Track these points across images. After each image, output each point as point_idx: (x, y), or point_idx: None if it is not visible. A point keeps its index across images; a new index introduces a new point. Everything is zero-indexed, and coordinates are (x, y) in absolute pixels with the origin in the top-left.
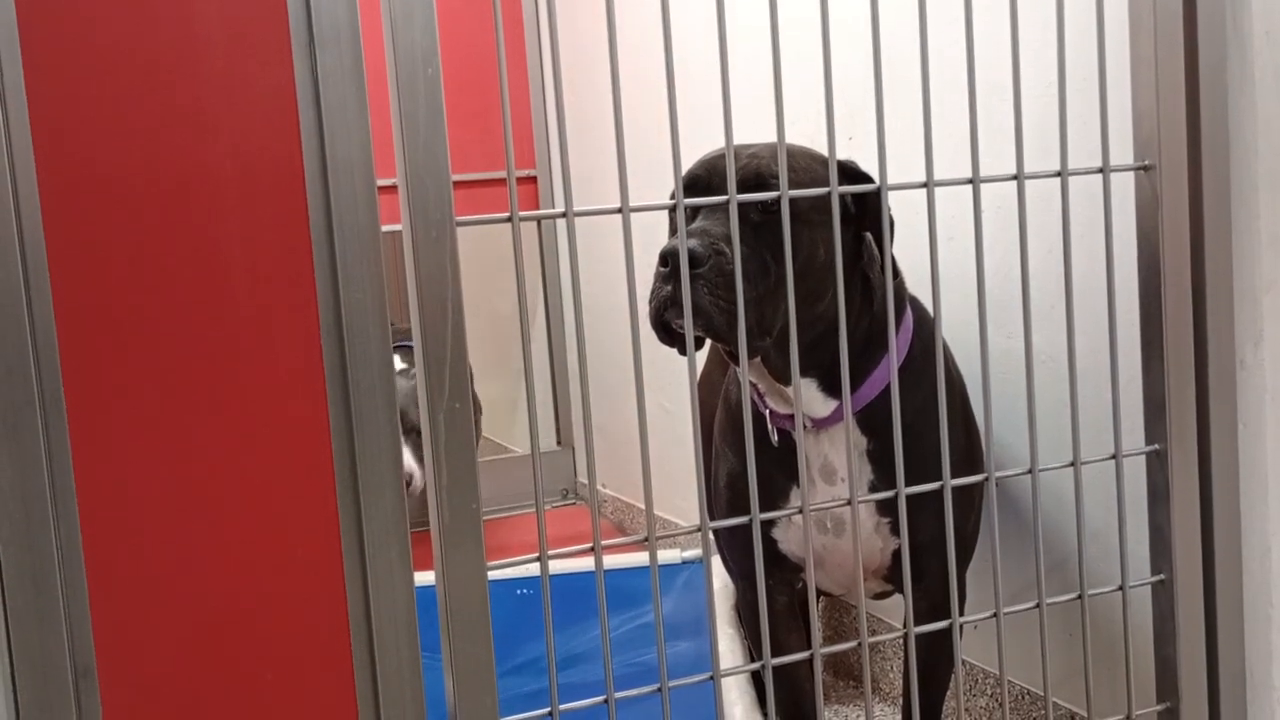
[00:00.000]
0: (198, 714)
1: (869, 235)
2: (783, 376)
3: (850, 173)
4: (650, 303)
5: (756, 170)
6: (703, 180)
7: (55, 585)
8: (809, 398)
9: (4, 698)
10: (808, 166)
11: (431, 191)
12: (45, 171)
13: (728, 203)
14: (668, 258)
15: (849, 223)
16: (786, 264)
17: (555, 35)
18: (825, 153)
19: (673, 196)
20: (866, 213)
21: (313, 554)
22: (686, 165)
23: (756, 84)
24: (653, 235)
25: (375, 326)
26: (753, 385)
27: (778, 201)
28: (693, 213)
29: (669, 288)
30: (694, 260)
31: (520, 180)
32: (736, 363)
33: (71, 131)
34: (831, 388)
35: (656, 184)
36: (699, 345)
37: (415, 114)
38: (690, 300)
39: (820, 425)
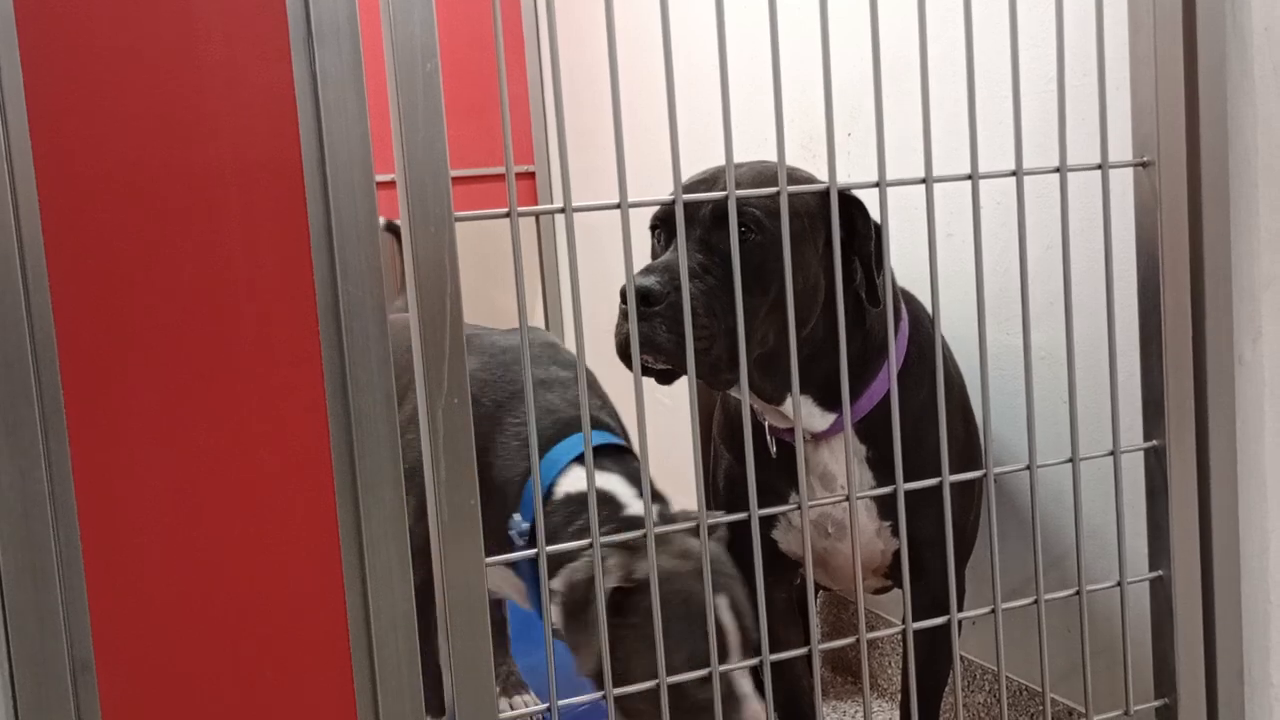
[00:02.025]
0: (196, 711)
1: (858, 259)
2: (772, 398)
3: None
4: (615, 338)
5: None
6: (673, 214)
7: (54, 582)
8: (806, 413)
9: (3, 694)
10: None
11: (430, 187)
12: (43, 168)
13: (697, 231)
14: (626, 296)
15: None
16: (786, 276)
17: (554, 31)
18: (812, 168)
19: (671, 194)
20: (855, 235)
21: (311, 551)
22: (685, 162)
23: (756, 81)
24: (649, 241)
25: (374, 322)
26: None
27: (750, 231)
28: (666, 242)
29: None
30: (651, 299)
31: (519, 176)
32: (723, 388)
33: (70, 128)
34: (828, 402)
35: (656, 179)
36: (671, 379)
37: (414, 110)
38: (644, 337)
39: (819, 437)
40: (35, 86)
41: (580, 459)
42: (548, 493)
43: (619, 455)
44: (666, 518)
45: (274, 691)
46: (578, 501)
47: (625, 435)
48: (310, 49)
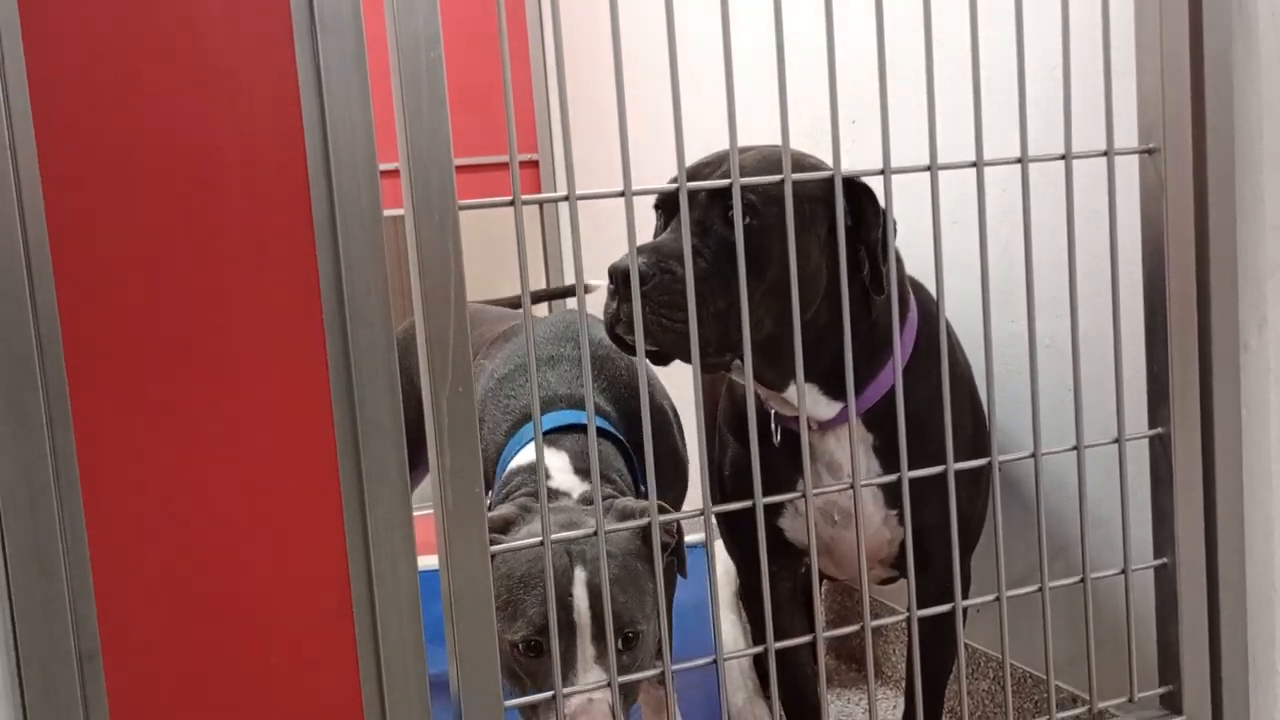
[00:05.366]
0: (202, 699)
1: (864, 248)
2: (775, 385)
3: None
4: (603, 317)
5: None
6: (675, 194)
7: (60, 570)
8: (812, 401)
9: (9, 683)
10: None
11: (434, 175)
12: (47, 159)
13: (694, 214)
14: (613, 275)
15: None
16: (791, 262)
17: (558, 19)
18: (818, 154)
19: (673, 181)
20: (863, 222)
21: (316, 539)
22: (689, 150)
23: (760, 70)
24: (654, 222)
25: (378, 311)
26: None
27: (744, 215)
28: (667, 222)
29: (614, 304)
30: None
31: (522, 164)
32: (711, 371)
33: (73, 118)
34: (833, 391)
35: (660, 166)
36: (664, 360)
37: (417, 98)
38: (629, 317)
39: (826, 426)
40: (39, 77)
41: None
42: (503, 468)
43: (581, 433)
44: (586, 498)
45: (279, 679)
46: (513, 473)
47: (619, 417)
48: (313, 37)
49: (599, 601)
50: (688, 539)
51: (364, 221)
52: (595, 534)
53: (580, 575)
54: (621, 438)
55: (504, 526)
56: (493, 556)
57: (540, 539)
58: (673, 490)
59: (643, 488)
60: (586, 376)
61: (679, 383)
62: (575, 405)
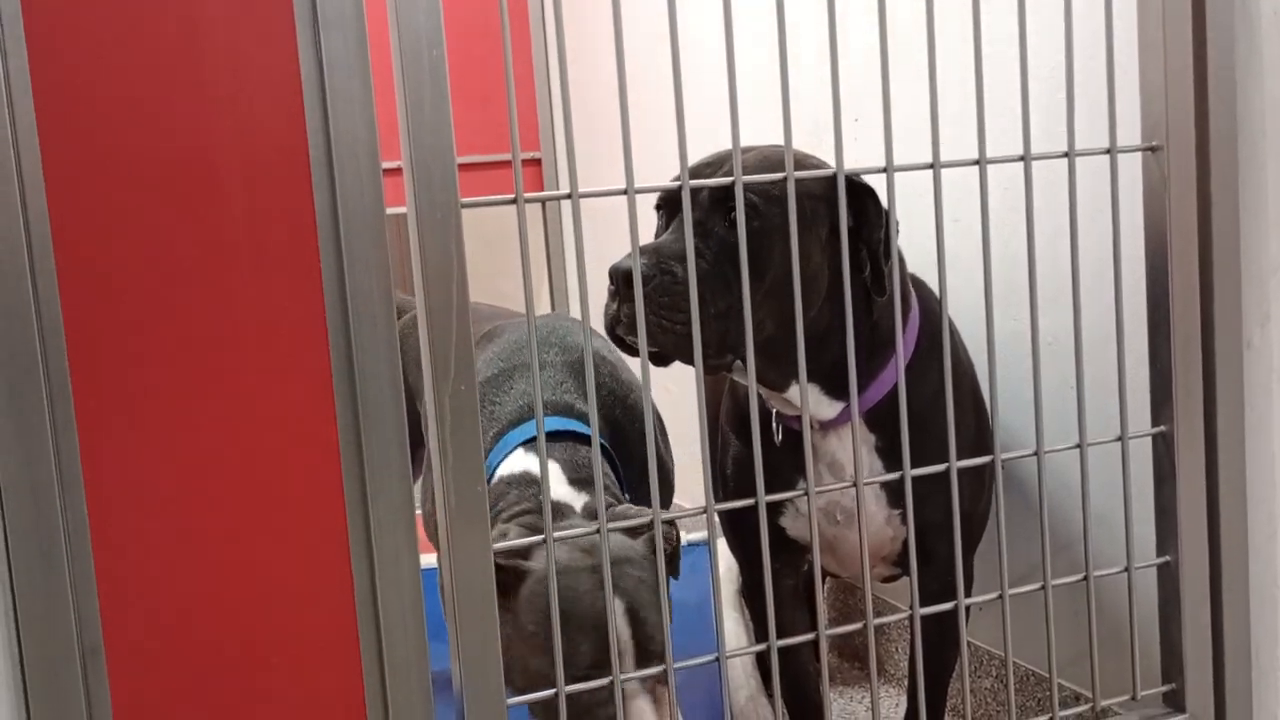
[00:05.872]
0: (204, 694)
1: (864, 249)
2: (776, 385)
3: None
4: (604, 317)
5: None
6: (676, 194)
7: (62, 566)
8: (814, 401)
9: (12, 679)
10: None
11: (436, 174)
12: (50, 153)
13: (694, 215)
14: (614, 276)
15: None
16: (794, 262)
17: (560, 18)
18: (819, 154)
19: (677, 179)
20: (865, 223)
21: (319, 536)
22: (691, 149)
23: (762, 68)
24: (655, 222)
25: (381, 309)
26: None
27: (745, 216)
28: (668, 222)
29: (615, 305)
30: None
31: (525, 162)
32: (711, 373)
33: (76, 115)
34: (835, 391)
35: (661, 164)
36: (664, 361)
37: (420, 96)
38: (629, 318)
39: (827, 426)
40: (41, 77)
41: (527, 443)
42: (491, 475)
43: (568, 441)
44: (590, 509)
45: (281, 675)
46: (505, 483)
47: (603, 423)
48: (316, 34)
49: (640, 630)
50: (689, 537)
51: (366, 220)
52: (597, 533)
53: (619, 607)
54: (606, 444)
55: (525, 556)
56: (523, 575)
57: (547, 557)
58: (659, 495)
59: (628, 495)
60: (590, 382)
61: (679, 383)
62: (559, 411)
